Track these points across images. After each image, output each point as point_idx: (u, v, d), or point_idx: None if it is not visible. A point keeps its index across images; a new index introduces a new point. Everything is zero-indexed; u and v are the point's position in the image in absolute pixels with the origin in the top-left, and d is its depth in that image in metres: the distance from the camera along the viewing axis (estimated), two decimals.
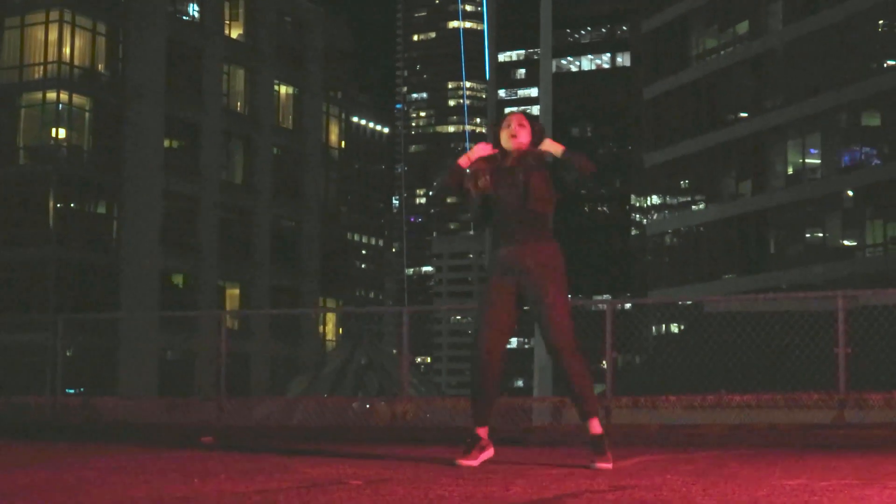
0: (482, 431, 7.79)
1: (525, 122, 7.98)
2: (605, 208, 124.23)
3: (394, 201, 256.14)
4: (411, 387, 39.21)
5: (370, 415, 16.20)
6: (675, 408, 13.04)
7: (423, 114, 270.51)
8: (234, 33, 61.58)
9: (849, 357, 12.35)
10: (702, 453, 9.30)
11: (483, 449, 7.75)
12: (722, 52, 62.58)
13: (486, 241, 43.67)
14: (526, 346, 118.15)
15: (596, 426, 7.64)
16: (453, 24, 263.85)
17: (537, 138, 7.96)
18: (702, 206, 63.26)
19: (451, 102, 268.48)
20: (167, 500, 5.45)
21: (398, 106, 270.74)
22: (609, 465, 7.44)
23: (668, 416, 12.99)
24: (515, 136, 7.91)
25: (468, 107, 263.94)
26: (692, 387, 14.24)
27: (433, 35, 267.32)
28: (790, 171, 58.07)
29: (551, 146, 7.86)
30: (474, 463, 7.63)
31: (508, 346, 8.22)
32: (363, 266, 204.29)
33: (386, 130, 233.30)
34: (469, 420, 8.11)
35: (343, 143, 70.46)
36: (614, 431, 12.27)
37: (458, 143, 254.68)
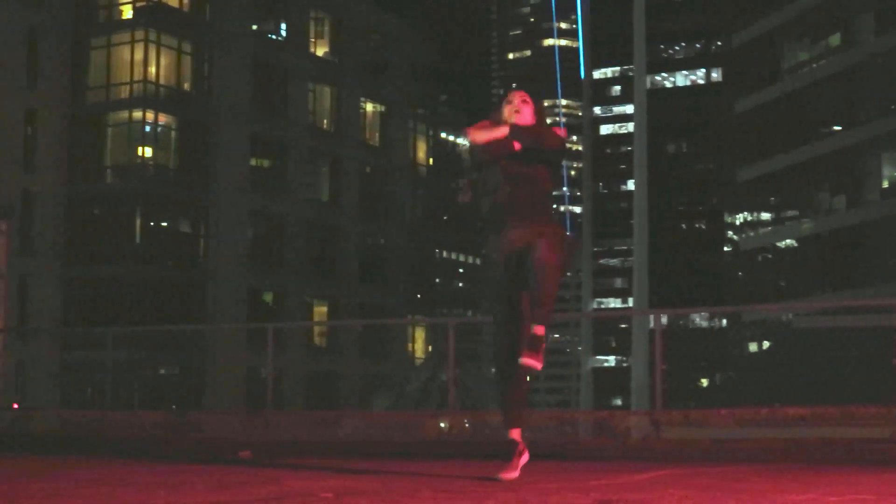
0: (515, 434, 7.21)
1: (529, 100, 7.60)
2: (701, 225, 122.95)
3: None
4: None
5: (420, 430, 15.85)
6: (727, 422, 12.52)
7: None
8: (320, 51, 61.56)
9: None
10: (724, 467, 8.76)
11: (521, 455, 7.17)
12: (814, 65, 61.49)
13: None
14: (624, 365, 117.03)
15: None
16: (548, 41, 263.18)
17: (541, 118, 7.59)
18: (795, 221, 62.11)
19: (548, 120, 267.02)
20: None
21: None
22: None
23: (718, 431, 12.49)
24: (519, 112, 7.54)
25: (564, 124, 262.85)
26: (781, 401, 13.68)
27: (528, 53, 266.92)
28: (885, 184, 56.83)
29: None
30: (516, 474, 7.05)
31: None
32: (460, 285, 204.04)
33: None
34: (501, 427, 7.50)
35: (431, 160, 70.19)
36: (662, 446, 11.77)
37: None
